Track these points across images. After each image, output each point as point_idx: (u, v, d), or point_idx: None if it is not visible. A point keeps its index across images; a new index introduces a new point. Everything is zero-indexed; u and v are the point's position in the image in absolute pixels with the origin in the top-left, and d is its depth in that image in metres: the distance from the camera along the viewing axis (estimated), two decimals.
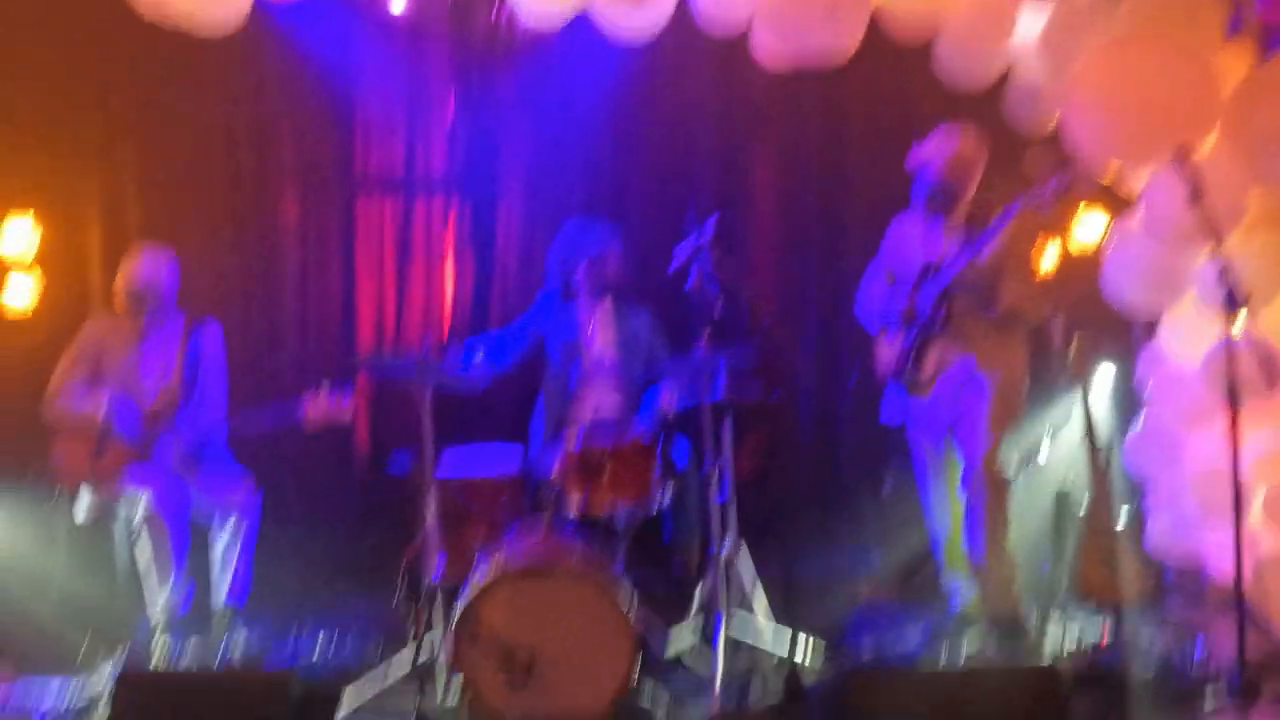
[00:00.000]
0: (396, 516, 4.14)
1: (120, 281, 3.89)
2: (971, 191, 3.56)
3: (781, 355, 3.83)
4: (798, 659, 3.08)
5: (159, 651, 3.65)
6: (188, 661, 3.61)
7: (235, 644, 3.73)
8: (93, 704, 3.24)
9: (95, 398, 3.78)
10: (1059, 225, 4.57)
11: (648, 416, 3.93)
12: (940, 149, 3.54)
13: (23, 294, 4.31)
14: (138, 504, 3.68)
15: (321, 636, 3.76)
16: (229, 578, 3.82)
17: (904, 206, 3.82)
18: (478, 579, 3.04)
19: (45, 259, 4.40)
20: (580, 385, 4.04)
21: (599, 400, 4.03)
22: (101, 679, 3.41)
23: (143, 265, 3.90)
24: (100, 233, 4.62)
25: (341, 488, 4.81)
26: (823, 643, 3.49)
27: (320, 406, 3.71)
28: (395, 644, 3.65)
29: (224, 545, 3.85)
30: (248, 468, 4.00)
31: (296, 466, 4.68)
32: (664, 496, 3.47)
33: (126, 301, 3.88)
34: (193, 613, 3.75)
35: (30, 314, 4.33)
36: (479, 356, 3.99)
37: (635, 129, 4.87)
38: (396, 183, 4.90)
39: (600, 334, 4.09)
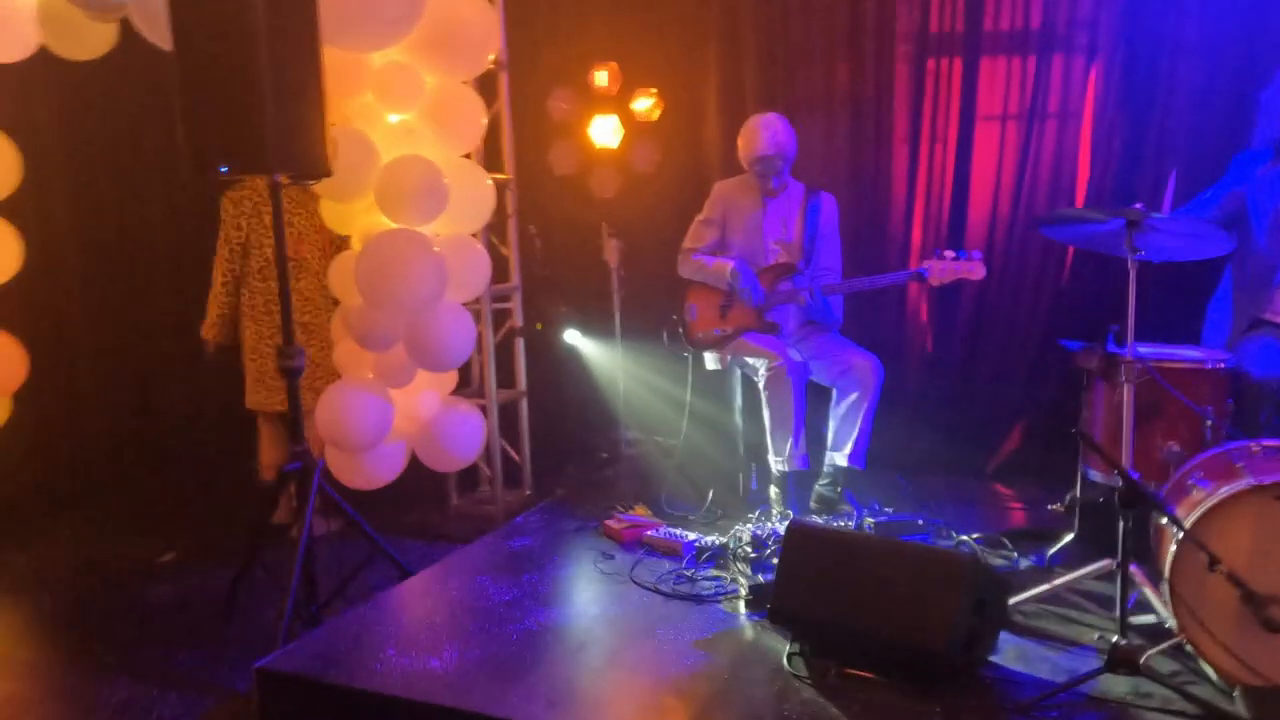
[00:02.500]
0: (1056, 402, 3.66)
1: (748, 147, 3.86)
2: None
3: None
4: None
5: (775, 504, 3.63)
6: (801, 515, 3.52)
7: (847, 510, 3.59)
8: (733, 540, 3.25)
9: (722, 258, 3.85)
10: None
11: None
12: None
13: (650, 157, 4.62)
14: (762, 361, 3.66)
15: (946, 519, 3.46)
16: (851, 441, 3.66)
17: None
18: (1197, 489, 2.38)
19: (667, 127, 4.63)
20: None
21: None
22: (719, 520, 3.52)
23: (769, 130, 3.83)
24: (715, 103, 4.69)
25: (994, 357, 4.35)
26: None
27: (944, 265, 3.55)
28: (1047, 541, 3.20)
29: (845, 409, 3.68)
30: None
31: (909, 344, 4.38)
32: None
33: (756, 165, 3.85)
34: (810, 470, 3.66)
35: (654, 176, 4.60)
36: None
37: None
38: (1028, 38, 4.23)
39: None
